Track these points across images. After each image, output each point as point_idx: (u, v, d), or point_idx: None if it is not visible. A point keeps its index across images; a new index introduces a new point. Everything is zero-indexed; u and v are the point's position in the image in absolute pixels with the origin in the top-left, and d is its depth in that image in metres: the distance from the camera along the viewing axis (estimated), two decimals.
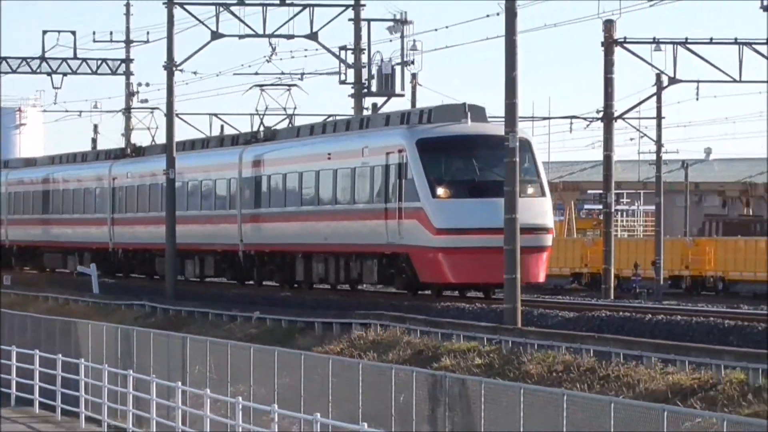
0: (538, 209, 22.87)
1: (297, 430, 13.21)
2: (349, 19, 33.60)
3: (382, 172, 24.18)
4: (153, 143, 42.43)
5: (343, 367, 13.57)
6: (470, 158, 23.33)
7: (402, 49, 34.47)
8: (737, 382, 10.75)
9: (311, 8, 32.73)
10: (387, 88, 34.93)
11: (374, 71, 34.29)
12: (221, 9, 31.15)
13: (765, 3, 27.28)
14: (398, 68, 34.65)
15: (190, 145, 36.01)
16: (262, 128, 32.91)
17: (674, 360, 12.32)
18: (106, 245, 38.93)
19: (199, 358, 17.95)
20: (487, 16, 28.12)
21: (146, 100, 44.09)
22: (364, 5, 33.78)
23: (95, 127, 52.35)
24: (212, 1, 31.48)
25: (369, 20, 34.27)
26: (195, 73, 36.80)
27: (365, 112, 33.77)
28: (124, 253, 38.47)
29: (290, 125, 33.80)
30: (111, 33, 37.52)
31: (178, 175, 31.65)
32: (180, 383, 17.14)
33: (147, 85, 43.35)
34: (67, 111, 43.73)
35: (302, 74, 38.28)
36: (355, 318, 20.01)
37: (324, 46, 34.87)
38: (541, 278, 23.50)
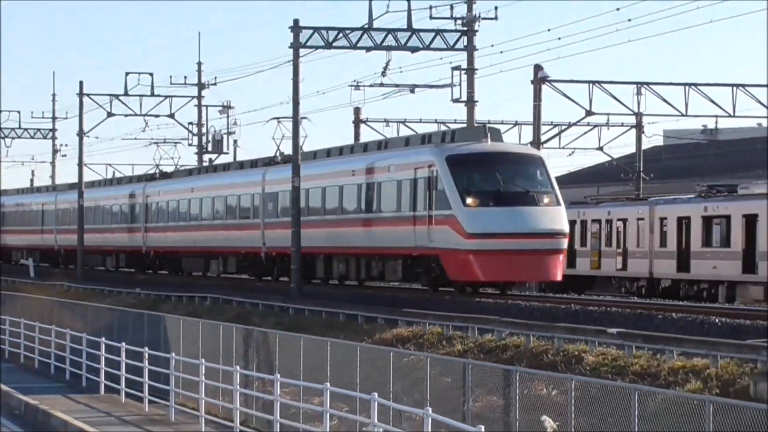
0: (555, 216, 25.47)
1: None
2: (195, 105, 52.99)
3: (410, 185, 27.25)
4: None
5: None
6: (494, 172, 26.11)
7: (227, 124, 53.55)
8: None
9: (171, 98, 52.07)
10: (218, 149, 54.26)
11: (210, 138, 53.61)
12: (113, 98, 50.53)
13: None
14: (225, 136, 53.68)
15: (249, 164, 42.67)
16: (278, 153, 40.20)
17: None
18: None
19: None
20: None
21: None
22: (203, 96, 52.80)
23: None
24: (108, 93, 51.17)
25: (207, 106, 53.56)
26: None
27: (205, 163, 52.49)
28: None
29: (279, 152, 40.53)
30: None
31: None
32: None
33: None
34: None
35: (165, 140, 57.54)
36: (428, 318, 20.66)
37: (179, 122, 54.35)
38: (559, 277, 25.93)
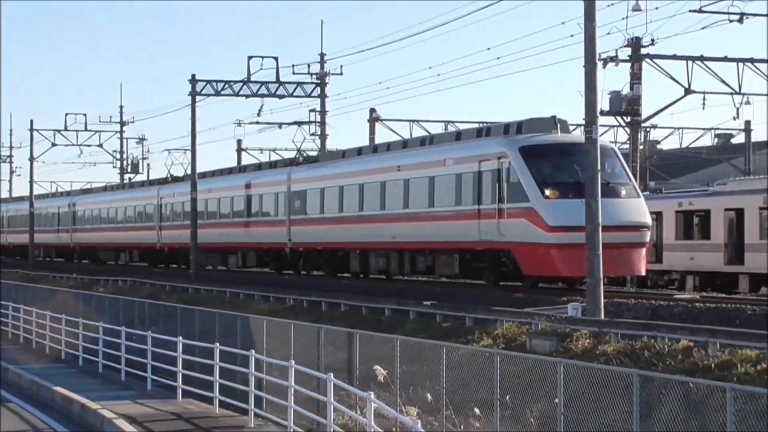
0: (637, 208, 23.88)
1: None
2: (118, 138, 68.06)
3: (473, 178, 25.47)
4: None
5: None
6: (570, 163, 24.07)
7: (142, 152, 69.36)
8: None
9: (99, 132, 66.04)
10: (135, 170, 69.29)
11: (129, 162, 69.08)
12: None
13: None
14: (140, 161, 69.51)
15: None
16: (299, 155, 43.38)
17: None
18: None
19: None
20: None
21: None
22: (125, 131, 67.71)
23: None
24: (52, 128, 65.23)
25: (127, 138, 68.94)
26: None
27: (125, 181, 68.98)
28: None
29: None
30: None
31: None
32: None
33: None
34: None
35: (95, 163, 75.12)
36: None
37: (106, 150, 68.44)
38: (643, 272, 24.58)
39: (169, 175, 52.93)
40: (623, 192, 23.96)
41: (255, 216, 39.22)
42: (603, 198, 21.58)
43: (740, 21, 28.31)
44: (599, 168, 21.71)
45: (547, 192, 23.21)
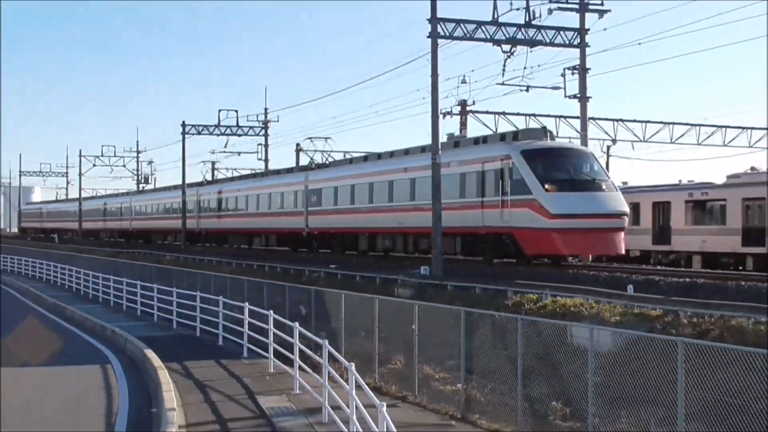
0: (618, 200, 27.89)
1: None
2: (135, 159, 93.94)
3: (477, 177, 29.82)
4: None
5: None
6: (563, 163, 28.30)
7: (151, 170, 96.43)
8: None
9: (123, 158, 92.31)
10: (147, 182, 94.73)
11: (143, 176, 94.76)
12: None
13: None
14: (150, 176, 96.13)
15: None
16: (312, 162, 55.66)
17: None
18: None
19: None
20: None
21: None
22: (140, 156, 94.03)
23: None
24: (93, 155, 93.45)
25: (141, 161, 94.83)
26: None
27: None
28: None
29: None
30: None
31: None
32: None
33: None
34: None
35: (121, 177, 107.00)
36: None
37: (127, 169, 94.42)
38: (623, 251, 28.53)
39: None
40: (604, 186, 27.99)
41: (273, 209, 49.43)
42: (591, 191, 27.14)
43: (527, 90, 36.40)
44: (583, 168, 27.84)
45: (547, 186, 26.94)
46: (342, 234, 41.75)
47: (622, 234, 28.05)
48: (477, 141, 33.26)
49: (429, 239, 31.57)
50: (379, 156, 41.81)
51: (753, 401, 10.08)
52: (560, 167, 28.26)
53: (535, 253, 28.49)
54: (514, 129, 33.47)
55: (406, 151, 38.35)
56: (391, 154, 39.69)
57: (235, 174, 70.21)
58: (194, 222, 61.17)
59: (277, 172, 55.49)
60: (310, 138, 59.08)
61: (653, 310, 17.30)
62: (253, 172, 65.45)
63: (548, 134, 30.71)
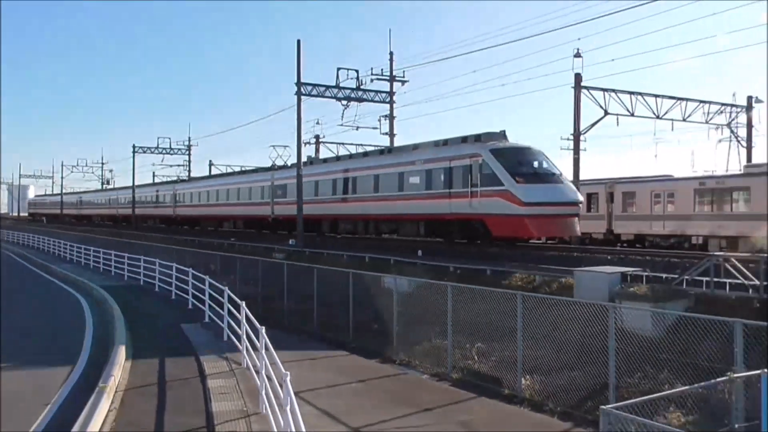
0: (573, 190, 28.73)
1: None
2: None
3: (444, 172, 30.39)
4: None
5: None
6: (525, 159, 28.65)
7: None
8: None
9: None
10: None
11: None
12: None
13: None
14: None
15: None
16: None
17: None
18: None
19: None
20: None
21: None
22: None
23: None
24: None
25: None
26: None
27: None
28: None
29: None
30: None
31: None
32: None
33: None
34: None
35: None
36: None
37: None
38: (578, 233, 29.48)
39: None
40: (562, 179, 28.75)
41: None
42: (552, 183, 27.81)
43: (357, 129, 48.62)
44: (543, 164, 28.50)
45: (518, 179, 27.31)
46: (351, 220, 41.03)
47: (577, 219, 28.30)
48: (438, 143, 33.24)
49: (392, 224, 34.38)
50: (324, 160, 45.23)
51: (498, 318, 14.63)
52: (524, 163, 28.37)
53: (504, 236, 28.31)
54: (445, 138, 33.55)
55: (351, 156, 43.00)
56: (338, 158, 44.30)
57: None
58: (171, 210, 67.15)
59: (244, 172, 58.59)
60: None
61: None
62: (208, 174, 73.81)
63: (506, 137, 30.86)
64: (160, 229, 62.60)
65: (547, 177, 28.42)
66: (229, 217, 54.81)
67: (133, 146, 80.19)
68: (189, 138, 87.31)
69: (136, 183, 78.19)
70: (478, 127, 66.52)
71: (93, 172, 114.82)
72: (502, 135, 31.14)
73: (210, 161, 79.69)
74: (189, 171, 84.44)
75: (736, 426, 8.21)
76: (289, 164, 49.36)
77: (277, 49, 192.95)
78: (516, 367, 12.80)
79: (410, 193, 31.91)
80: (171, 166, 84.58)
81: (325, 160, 45.24)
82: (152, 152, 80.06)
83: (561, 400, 12.06)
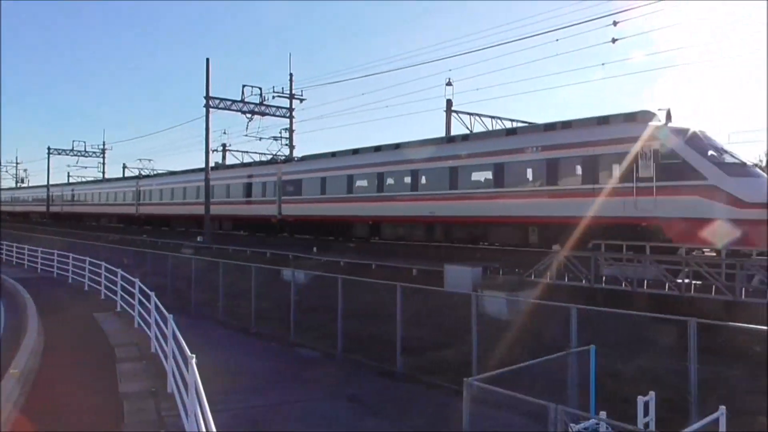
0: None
1: None
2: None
3: (585, 162, 20.43)
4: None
5: None
6: (716, 145, 19.15)
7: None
8: None
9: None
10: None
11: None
12: None
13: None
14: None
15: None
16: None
17: None
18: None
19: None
20: None
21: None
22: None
23: None
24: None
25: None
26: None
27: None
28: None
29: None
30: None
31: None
32: None
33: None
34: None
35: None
36: None
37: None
38: None
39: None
40: (760, 171, 19.29)
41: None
42: (759, 177, 18.14)
43: (260, 140, 47.07)
44: (728, 150, 18.82)
45: (725, 170, 17.91)
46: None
47: None
48: (552, 126, 22.53)
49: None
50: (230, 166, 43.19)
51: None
52: (719, 150, 18.87)
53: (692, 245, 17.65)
54: (564, 120, 22.73)
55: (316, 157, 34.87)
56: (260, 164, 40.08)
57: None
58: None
59: (173, 173, 53.55)
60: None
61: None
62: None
63: (669, 117, 19.54)
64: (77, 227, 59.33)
65: (750, 168, 18.76)
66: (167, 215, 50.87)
67: (48, 148, 77.47)
68: (104, 142, 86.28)
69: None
70: (368, 142, 65.38)
71: (7, 171, 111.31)
72: (667, 115, 19.55)
73: (124, 164, 75.93)
74: (103, 173, 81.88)
75: (568, 392, 8.76)
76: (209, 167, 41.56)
77: (188, 63, 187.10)
78: (397, 347, 13.05)
79: (523, 189, 22.17)
80: (86, 167, 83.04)
81: (356, 150, 31.73)
82: (67, 154, 78.30)
83: (433, 374, 12.42)
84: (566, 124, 22.53)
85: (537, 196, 21.87)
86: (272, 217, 35.75)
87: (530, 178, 22.32)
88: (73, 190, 68.42)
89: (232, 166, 45.33)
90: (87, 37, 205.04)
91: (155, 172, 65.66)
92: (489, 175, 23.87)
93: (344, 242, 30.25)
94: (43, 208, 73.75)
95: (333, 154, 32.68)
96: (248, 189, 38.10)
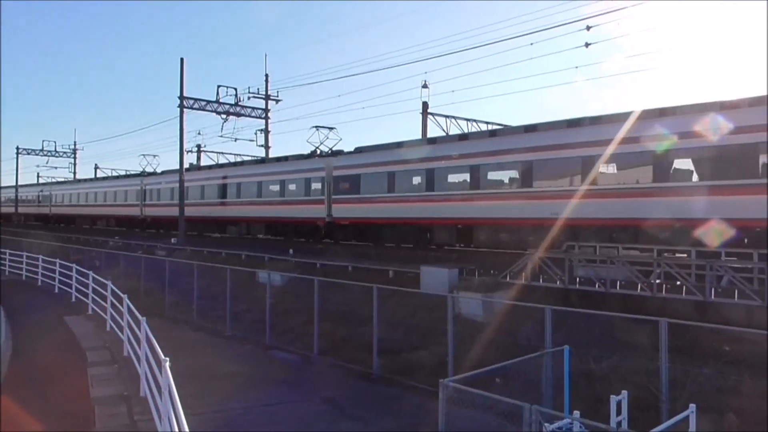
0: None
1: None
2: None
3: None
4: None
5: None
6: None
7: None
8: None
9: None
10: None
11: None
12: None
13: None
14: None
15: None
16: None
17: None
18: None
19: None
20: None
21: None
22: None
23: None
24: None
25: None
26: None
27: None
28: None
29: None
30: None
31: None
32: None
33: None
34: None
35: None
36: None
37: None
38: None
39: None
40: None
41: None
42: None
43: (236, 140, 48.07)
44: None
45: None
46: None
47: None
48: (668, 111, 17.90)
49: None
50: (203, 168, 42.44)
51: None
52: None
53: None
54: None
55: (286, 158, 34.21)
56: (242, 163, 38.82)
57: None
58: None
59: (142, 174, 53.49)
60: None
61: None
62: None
63: None
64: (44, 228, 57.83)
65: None
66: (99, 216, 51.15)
67: (17, 148, 76.24)
68: (75, 142, 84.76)
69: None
70: (344, 144, 65.55)
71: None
72: None
73: (96, 165, 74.99)
74: (74, 174, 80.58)
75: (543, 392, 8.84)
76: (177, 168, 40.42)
77: (162, 63, 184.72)
78: (373, 349, 13.05)
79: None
80: (56, 168, 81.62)
81: (462, 134, 28.12)
82: (37, 154, 77.21)
83: (409, 375, 12.43)
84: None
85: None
86: (319, 220, 29.99)
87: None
88: (63, 190, 64.70)
89: (262, 161, 38.00)
90: (57, 35, 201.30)
91: (153, 170, 61.61)
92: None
93: (424, 250, 24.26)
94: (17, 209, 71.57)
95: (399, 145, 27.27)
96: (285, 187, 32.13)
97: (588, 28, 26.46)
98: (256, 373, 12.98)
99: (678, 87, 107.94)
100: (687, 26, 79.03)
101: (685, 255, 17.13)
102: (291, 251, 27.35)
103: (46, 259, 25.74)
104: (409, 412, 10.46)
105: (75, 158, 79.37)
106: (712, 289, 13.81)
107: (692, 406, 6.89)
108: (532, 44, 33.64)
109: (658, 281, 14.75)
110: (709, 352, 10.05)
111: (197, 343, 15.84)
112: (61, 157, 77.39)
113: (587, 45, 27.07)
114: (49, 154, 76.17)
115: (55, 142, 78.03)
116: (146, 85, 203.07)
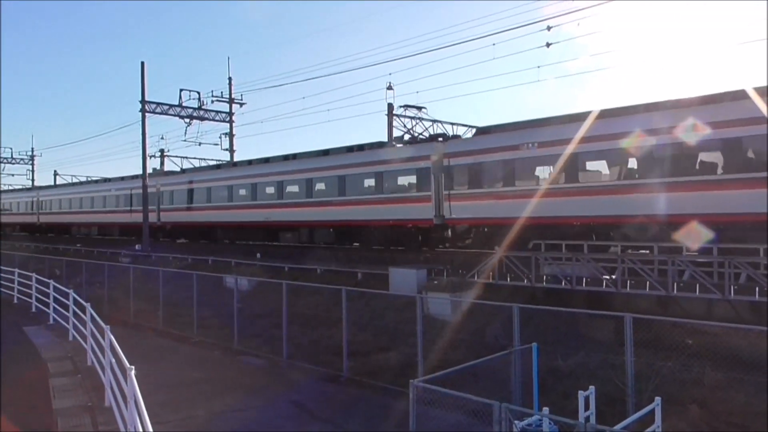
0: None
1: None
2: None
3: None
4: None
5: None
6: None
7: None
8: None
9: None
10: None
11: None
12: None
13: None
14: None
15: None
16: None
17: None
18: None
19: None
20: None
21: None
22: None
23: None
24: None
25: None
26: None
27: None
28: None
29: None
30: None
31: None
32: None
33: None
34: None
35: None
36: None
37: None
38: None
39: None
40: None
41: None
42: None
43: (200, 145, 45.15)
44: None
45: None
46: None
47: None
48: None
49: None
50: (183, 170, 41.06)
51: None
52: None
53: None
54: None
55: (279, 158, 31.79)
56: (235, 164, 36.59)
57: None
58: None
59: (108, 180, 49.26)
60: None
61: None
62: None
63: None
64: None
65: None
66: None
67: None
68: (33, 148, 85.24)
69: None
70: (310, 146, 65.02)
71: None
72: None
73: (55, 171, 72.55)
74: (33, 180, 77.32)
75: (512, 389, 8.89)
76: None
77: (122, 66, 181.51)
78: (343, 351, 12.99)
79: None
80: (13, 175, 79.60)
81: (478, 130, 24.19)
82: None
83: (378, 377, 12.41)
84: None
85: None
86: (425, 221, 23.81)
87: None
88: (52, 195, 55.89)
89: (331, 151, 29.44)
90: (11, 36, 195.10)
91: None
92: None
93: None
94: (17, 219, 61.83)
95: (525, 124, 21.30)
96: (380, 180, 25.65)
97: (549, 28, 26.83)
98: (223, 379, 12.82)
99: (644, 84, 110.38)
100: (647, 26, 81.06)
101: (647, 252, 17.45)
102: (259, 255, 27.00)
103: (5, 269, 24.98)
104: (376, 413, 10.45)
105: (33, 165, 77.34)
106: (674, 284, 14.12)
107: (657, 399, 7.02)
108: (494, 45, 34.02)
109: (622, 277, 15.02)
110: (672, 345, 10.26)
111: (164, 351, 15.59)
112: (18, 163, 75.01)
113: (548, 45, 27.45)
114: (5, 161, 74.08)
115: (11, 149, 76.27)
116: (107, 89, 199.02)
